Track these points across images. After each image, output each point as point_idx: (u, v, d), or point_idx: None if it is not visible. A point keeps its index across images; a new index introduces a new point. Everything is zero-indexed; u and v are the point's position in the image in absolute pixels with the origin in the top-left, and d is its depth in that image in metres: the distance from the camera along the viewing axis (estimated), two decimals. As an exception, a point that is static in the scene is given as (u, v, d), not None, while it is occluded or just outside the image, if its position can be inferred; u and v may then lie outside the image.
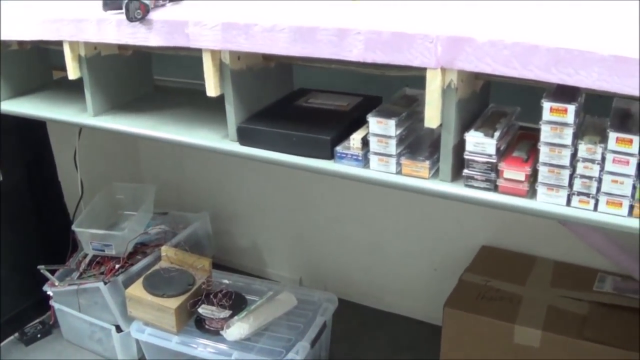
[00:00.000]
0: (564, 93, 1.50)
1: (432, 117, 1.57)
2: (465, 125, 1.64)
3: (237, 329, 2.49)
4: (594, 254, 2.71)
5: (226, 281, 2.83)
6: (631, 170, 1.46)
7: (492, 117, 1.72)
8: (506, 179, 1.57)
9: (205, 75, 1.85)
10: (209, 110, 2.03)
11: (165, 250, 2.79)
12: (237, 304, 2.61)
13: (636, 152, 1.45)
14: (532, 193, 1.57)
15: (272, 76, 2.04)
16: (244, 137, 1.89)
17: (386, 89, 1.95)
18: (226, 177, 3.37)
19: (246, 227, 3.46)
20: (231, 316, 2.54)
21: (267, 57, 1.98)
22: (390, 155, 1.68)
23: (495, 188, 1.59)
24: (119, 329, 2.82)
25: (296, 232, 3.33)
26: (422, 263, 3.05)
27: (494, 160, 1.57)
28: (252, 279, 2.91)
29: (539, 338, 2.41)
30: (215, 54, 1.81)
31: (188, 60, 1.92)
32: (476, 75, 1.68)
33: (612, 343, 2.34)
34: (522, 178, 1.56)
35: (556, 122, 1.48)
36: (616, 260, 2.66)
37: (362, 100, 2.02)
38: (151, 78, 2.46)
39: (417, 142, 1.76)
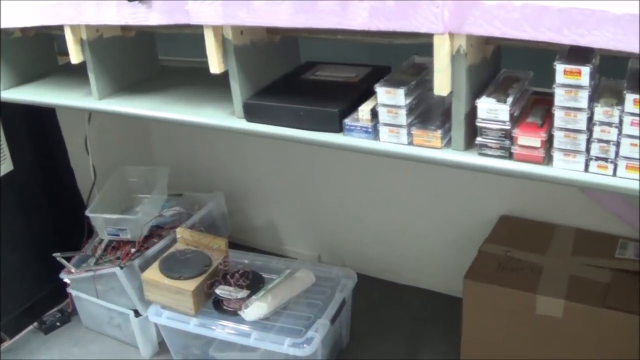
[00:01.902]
0: (577, 55, 1.45)
1: (442, 84, 1.52)
2: (477, 92, 1.60)
3: (256, 309, 2.46)
4: (615, 220, 2.66)
5: (243, 261, 2.79)
6: (647, 131, 1.41)
7: (504, 83, 1.67)
8: (521, 146, 1.53)
9: (208, 52, 1.81)
10: (216, 88, 2.00)
11: (181, 232, 2.76)
12: (254, 283, 2.58)
13: (654, 113, 1.40)
14: (548, 159, 1.53)
15: (278, 50, 2.00)
16: (250, 113, 1.86)
17: (396, 59, 1.90)
18: (240, 156, 3.34)
19: (262, 206, 3.43)
20: (249, 296, 2.50)
21: (271, 31, 1.94)
22: (400, 126, 1.64)
23: (510, 156, 1.55)
24: (137, 313, 2.79)
25: (312, 208, 3.29)
26: (440, 235, 3.01)
27: (508, 127, 1.53)
28: (269, 258, 2.88)
29: (562, 308, 2.37)
30: (217, 29, 1.77)
31: (193, 38, 1.88)
32: (486, 40, 1.64)
33: (635, 311, 2.30)
34: (538, 144, 1.52)
35: (570, 84, 1.43)
36: (637, 226, 2.61)
37: (371, 71, 1.98)
38: (156, 58, 2.42)
39: (428, 112, 1.72)
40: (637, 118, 1.41)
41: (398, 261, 3.21)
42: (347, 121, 1.71)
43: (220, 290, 2.52)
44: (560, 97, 1.45)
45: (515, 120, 1.57)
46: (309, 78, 2.01)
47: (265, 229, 3.47)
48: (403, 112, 1.62)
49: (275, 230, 3.46)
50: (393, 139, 1.66)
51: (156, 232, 2.90)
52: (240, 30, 1.80)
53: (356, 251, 3.26)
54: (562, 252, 2.62)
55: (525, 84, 1.69)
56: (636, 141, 1.42)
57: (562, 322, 2.40)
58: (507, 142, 1.54)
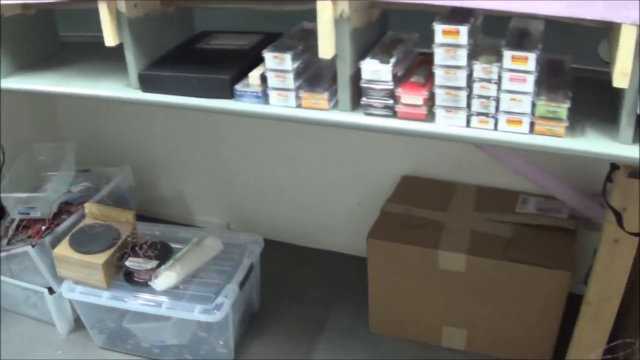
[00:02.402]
0: (457, 16, 1.51)
1: (325, 48, 1.58)
2: (362, 54, 1.65)
3: (165, 279, 2.48)
4: (515, 176, 2.74)
5: (154, 232, 2.80)
6: (529, 87, 1.49)
7: (389, 45, 1.72)
8: (404, 104, 1.59)
9: (103, 26, 1.83)
10: (113, 61, 2.01)
11: (89, 207, 2.77)
12: (163, 253, 2.60)
13: (532, 69, 1.47)
14: (431, 117, 1.58)
15: (172, 21, 2.03)
16: (145, 84, 1.89)
17: (290, 26, 1.94)
18: (146, 129, 3.35)
19: (170, 178, 3.45)
20: (158, 266, 2.53)
21: (165, 2, 1.96)
22: (288, 90, 1.69)
23: (394, 114, 1.61)
24: (51, 291, 2.79)
25: (220, 177, 3.33)
26: (347, 198, 3.07)
27: (391, 87, 1.58)
28: (178, 228, 2.90)
29: (464, 262, 2.44)
30: (110, 3, 1.79)
31: (93, 13, 1.89)
32: (371, 4, 1.68)
33: (536, 262, 2.39)
34: (420, 102, 1.57)
35: (449, 44, 1.49)
36: (537, 180, 2.69)
37: (263, 39, 2.02)
38: (57, 35, 2.41)
39: (317, 75, 1.76)
40: (516, 74, 1.46)
41: (307, 225, 3.27)
42: (238, 87, 1.75)
43: (130, 262, 2.54)
44: (440, 56, 1.51)
45: (399, 80, 1.62)
46: (202, 47, 2.04)
47: (174, 201, 3.49)
48: (290, 76, 1.67)
49: (185, 201, 3.48)
50: (282, 103, 1.71)
51: (65, 208, 2.89)
52: (134, 3, 1.82)
53: (265, 218, 3.31)
54: (464, 208, 2.69)
55: (409, 45, 1.73)
56: (515, 96, 1.49)
57: (465, 276, 2.47)
58: (390, 102, 1.59)
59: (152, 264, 2.53)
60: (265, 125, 2.97)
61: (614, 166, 1.93)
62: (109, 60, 2.07)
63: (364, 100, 1.61)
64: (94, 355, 2.76)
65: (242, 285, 2.51)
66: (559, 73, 1.69)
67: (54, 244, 2.65)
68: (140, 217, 2.82)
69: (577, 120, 1.60)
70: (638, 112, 1.46)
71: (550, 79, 1.64)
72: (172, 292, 2.51)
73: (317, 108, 1.68)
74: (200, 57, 1.97)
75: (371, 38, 1.73)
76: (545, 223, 2.57)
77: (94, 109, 3.38)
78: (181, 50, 2.03)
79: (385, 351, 2.69)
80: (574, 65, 1.71)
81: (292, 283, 3.06)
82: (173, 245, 2.70)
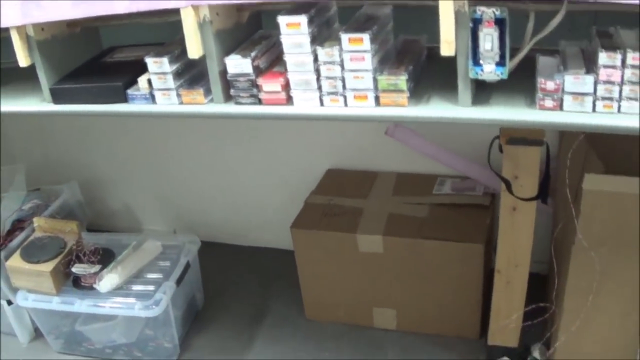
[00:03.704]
0: (302, 8, 1.69)
1: (193, 49, 1.77)
2: (231, 52, 1.83)
3: (108, 281, 2.65)
4: (432, 161, 2.91)
5: (98, 241, 2.96)
6: (367, 65, 1.66)
7: (256, 41, 1.91)
8: (266, 92, 1.77)
9: (15, 49, 2.00)
10: (32, 80, 2.16)
11: (37, 220, 2.93)
12: (105, 258, 2.77)
13: (368, 48, 1.64)
14: (292, 100, 1.77)
15: (79, 40, 2.21)
16: (56, 97, 2.06)
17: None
18: (92, 146, 3.49)
19: (118, 191, 3.59)
20: (101, 270, 2.69)
21: (70, 24, 2.15)
22: (169, 89, 1.88)
23: (259, 101, 1.78)
24: (10, 302, 2.94)
25: (164, 186, 3.49)
26: (278, 195, 3.25)
27: (253, 77, 1.76)
28: (121, 235, 3.06)
29: (381, 243, 2.60)
30: (21, 29, 1.96)
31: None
32: (238, 7, 1.87)
33: (451, 238, 2.55)
34: (279, 88, 1.76)
35: (292, 34, 1.67)
36: (448, 162, 2.86)
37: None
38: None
39: (200, 73, 1.94)
40: (354, 54, 1.65)
41: (244, 225, 3.45)
42: (130, 91, 1.95)
43: (76, 268, 2.71)
44: (287, 45, 1.70)
45: (262, 71, 1.80)
46: (106, 61, 2.23)
47: (123, 213, 3.64)
48: (170, 77, 1.87)
49: (133, 212, 3.64)
50: (166, 101, 1.90)
51: (18, 225, 3.05)
52: (41, 27, 2.00)
53: (206, 221, 3.48)
54: (383, 194, 2.86)
55: (274, 40, 1.91)
56: (357, 74, 1.67)
57: (384, 257, 2.64)
58: (255, 90, 1.78)
59: (96, 268, 2.70)
60: (202, 133, 3.15)
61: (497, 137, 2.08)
62: (28, 79, 2.23)
63: (232, 91, 1.80)
64: (54, 360, 2.91)
65: (179, 281, 2.68)
66: (411, 51, 1.87)
67: (8, 258, 2.81)
68: (92, 231, 3.06)
69: (425, 91, 1.80)
70: (471, 76, 1.64)
71: (400, 56, 1.83)
72: (116, 292, 2.68)
73: (196, 103, 1.87)
74: (103, 69, 2.15)
75: (242, 37, 1.91)
76: (459, 201, 2.74)
77: (43, 129, 3.53)
78: (88, 64, 2.21)
79: (320, 336, 2.85)
80: (430, 44, 1.87)
81: (233, 280, 3.25)
82: (116, 250, 2.86)
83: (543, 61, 1.75)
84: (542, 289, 2.73)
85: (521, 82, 1.76)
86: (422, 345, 2.75)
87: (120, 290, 2.68)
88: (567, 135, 2.47)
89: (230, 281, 3.22)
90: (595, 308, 2.24)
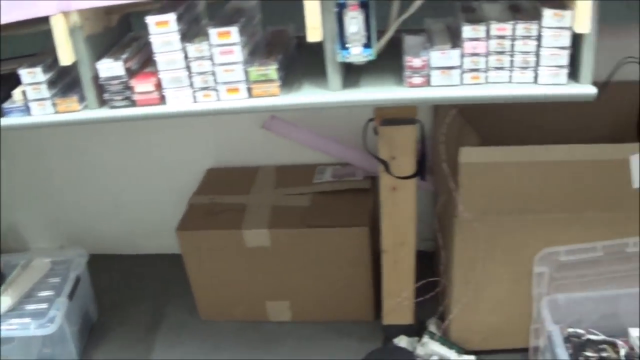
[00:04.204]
0: (170, 6, 1.69)
1: (64, 56, 1.73)
2: (102, 56, 1.81)
3: (3, 303, 2.60)
4: (312, 150, 2.94)
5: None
6: (237, 57, 1.67)
7: (126, 44, 1.89)
8: (139, 93, 1.76)
9: None
10: None
11: None
12: (-6, 282, 2.71)
13: (237, 41, 1.65)
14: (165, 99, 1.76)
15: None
16: None
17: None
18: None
19: (3, 212, 3.53)
20: (-7, 293, 2.63)
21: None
22: (44, 99, 1.83)
23: (133, 103, 1.77)
24: None
25: (46, 202, 3.41)
26: (161, 198, 3.21)
27: (125, 79, 1.74)
28: (8, 256, 2.98)
29: (268, 237, 2.61)
30: None
31: None
32: (107, 11, 1.85)
33: (335, 224, 2.59)
34: (152, 88, 1.75)
35: (162, 32, 1.67)
36: (327, 150, 2.90)
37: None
38: None
39: (74, 81, 1.89)
40: (224, 48, 1.66)
41: (131, 232, 3.40)
42: (5, 105, 1.88)
43: (-34, 295, 2.65)
44: (157, 44, 1.69)
45: (134, 72, 1.79)
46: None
47: (7, 233, 3.56)
48: (44, 87, 1.82)
49: (17, 232, 3.55)
50: (42, 111, 1.85)
51: None
52: None
53: (94, 232, 3.41)
54: (265, 188, 2.87)
55: (144, 40, 1.90)
56: (228, 67, 1.69)
57: (272, 250, 2.64)
58: (128, 93, 1.76)
59: (-14, 293, 2.65)
60: (79, 142, 3.10)
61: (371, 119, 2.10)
62: None
63: (105, 96, 1.77)
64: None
65: (70, 296, 2.64)
66: (280, 41, 1.89)
67: None
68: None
69: (297, 78, 1.82)
70: (339, 60, 1.66)
71: (269, 47, 1.84)
72: (10, 314, 2.62)
73: (71, 110, 1.83)
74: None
75: (112, 40, 1.89)
76: (341, 188, 2.77)
77: None
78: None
79: (217, 336, 2.84)
80: (300, 34, 1.88)
81: (126, 290, 3.20)
82: (7, 272, 2.80)
83: (409, 40, 1.78)
84: (432, 265, 2.78)
85: (390, 63, 1.80)
86: (318, 334, 2.76)
87: (13, 311, 2.62)
88: (440, 111, 2.52)
89: (123, 291, 3.17)
90: (485, 277, 2.30)
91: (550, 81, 1.70)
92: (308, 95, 1.73)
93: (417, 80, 1.69)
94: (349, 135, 2.77)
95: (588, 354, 2.28)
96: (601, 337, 2.34)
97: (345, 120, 2.69)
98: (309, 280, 2.71)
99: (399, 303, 2.47)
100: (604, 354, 2.28)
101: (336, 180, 2.82)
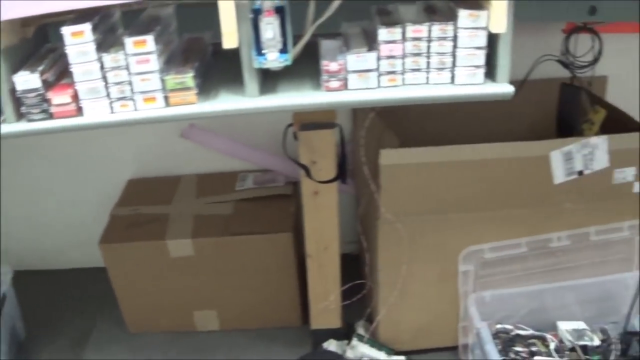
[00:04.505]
0: (85, 17, 1.68)
1: (-19, 70, 1.69)
2: (19, 68, 1.77)
3: None
4: (233, 158, 2.95)
5: None
6: (153, 66, 1.66)
7: (43, 55, 1.86)
8: (56, 105, 1.73)
9: None
10: None
11: None
12: None
13: (152, 49, 1.65)
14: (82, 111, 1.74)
15: None
16: None
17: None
18: None
19: None
20: None
21: None
22: (-37, 116, 1.78)
23: (51, 116, 1.74)
24: None
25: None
26: (84, 211, 3.17)
27: (42, 92, 1.71)
28: None
29: (191, 246, 2.60)
30: None
31: None
32: (23, 23, 1.82)
33: (258, 231, 2.59)
34: (69, 100, 1.72)
35: (77, 43, 1.65)
36: (248, 157, 2.90)
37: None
38: None
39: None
40: (140, 57, 1.65)
41: (55, 247, 3.35)
42: None
43: None
44: (72, 55, 1.67)
45: (51, 84, 1.76)
46: None
47: None
48: (-38, 104, 1.77)
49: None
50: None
51: None
52: None
53: (18, 249, 3.34)
54: (187, 198, 2.86)
55: (59, 52, 1.87)
56: (144, 76, 1.68)
57: (197, 259, 2.63)
58: (45, 105, 1.73)
59: None
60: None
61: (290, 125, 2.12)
62: None
63: (23, 109, 1.74)
64: None
65: (-5, 315, 2.59)
66: (196, 49, 1.88)
67: None
68: None
69: (214, 86, 1.81)
70: (255, 66, 1.66)
71: (185, 55, 1.83)
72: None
73: (-11, 125, 1.79)
74: None
75: (29, 52, 1.86)
76: (263, 194, 2.78)
77: None
78: None
79: (147, 349, 2.81)
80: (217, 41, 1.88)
81: (53, 306, 3.14)
82: None
83: (326, 44, 1.80)
84: (358, 268, 2.79)
85: (308, 68, 1.81)
86: (247, 341, 2.76)
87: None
88: (359, 113, 2.54)
89: (50, 307, 3.12)
90: (410, 277, 2.33)
91: (467, 81, 1.72)
92: (225, 102, 1.73)
93: (334, 84, 1.70)
94: (270, 141, 2.78)
95: (518, 349, 2.31)
96: (530, 332, 2.38)
97: (266, 126, 2.70)
98: (235, 288, 2.71)
99: (326, 307, 2.47)
100: (534, 349, 2.32)
101: (258, 186, 2.83)
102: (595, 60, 2.51)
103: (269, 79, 1.79)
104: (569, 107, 2.65)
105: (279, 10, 1.61)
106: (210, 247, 2.60)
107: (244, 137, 2.85)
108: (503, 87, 1.71)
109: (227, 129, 2.82)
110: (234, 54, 1.66)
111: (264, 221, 2.62)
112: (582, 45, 2.54)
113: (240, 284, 2.69)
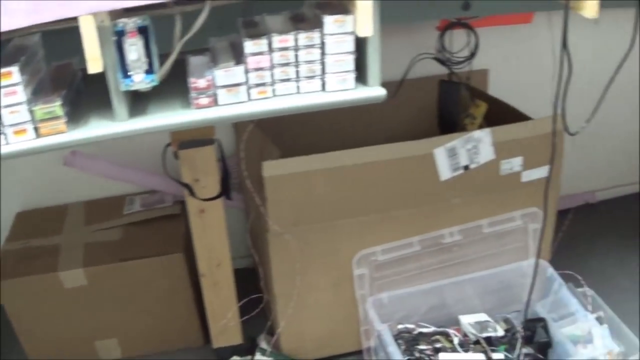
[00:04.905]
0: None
1: None
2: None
3: None
4: (119, 182, 2.91)
5: None
6: (20, 98, 1.62)
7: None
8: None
9: None
10: None
11: None
12: None
13: (18, 80, 1.60)
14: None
15: None
16: None
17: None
18: None
19: None
20: None
21: None
22: None
23: None
24: None
25: None
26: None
27: None
28: None
29: (84, 276, 2.55)
30: None
31: None
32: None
33: (150, 254, 2.56)
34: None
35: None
36: (132, 179, 2.88)
37: None
38: None
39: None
40: (6, 89, 1.60)
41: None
42: None
43: None
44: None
45: None
46: None
47: None
48: None
49: None
50: None
51: None
52: None
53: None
54: (76, 226, 2.80)
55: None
56: (13, 109, 1.62)
57: (91, 288, 2.58)
58: None
59: None
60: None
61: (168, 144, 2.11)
62: None
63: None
64: None
65: None
66: (64, 76, 1.85)
67: None
68: None
69: (84, 113, 1.78)
70: (122, 89, 1.64)
71: (54, 83, 1.80)
72: None
73: None
74: None
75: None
76: (151, 216, 2.75)
77: None
78: None
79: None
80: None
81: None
82: None
83: (194, 61, 1.79)
84: (254, 281, 2.77)
85: (178, 86, 1.79)
86: (152, 367, 2.70)
87: None
88: (238, 127, 2.54)
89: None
90: (306, 287, 2.33)
91: (338, 87, 1.73)
92: (95, 128, 1.70)
93: (203, 100, 1.69)
94: (153, 161, 2.72)
95: (422, 347, 2.33)
96: (432, 329, 2.41)
97: (147, 146, 2.66)
98: (133, 314, 2.67)
99: (225, 324, 2.47)
100: (438, 345, 2.34)
101: (146, 209, 2.81)
102: (472, 55, 2.55)
103: (141, 100, 1.77)
104: (449, 104, 2.70)
105: (143, 30, 1.59)
106: (102, 275, 2.55)
107: (127, 159, 2.82)
108: (375, 91, 1.73)
109: (109, 152, 2.79)
110: (103, 78, 1.64)
111: (154, 243, 2.60)
112: (459, 41, 2.58)
113: (137, 309, 2.65)
